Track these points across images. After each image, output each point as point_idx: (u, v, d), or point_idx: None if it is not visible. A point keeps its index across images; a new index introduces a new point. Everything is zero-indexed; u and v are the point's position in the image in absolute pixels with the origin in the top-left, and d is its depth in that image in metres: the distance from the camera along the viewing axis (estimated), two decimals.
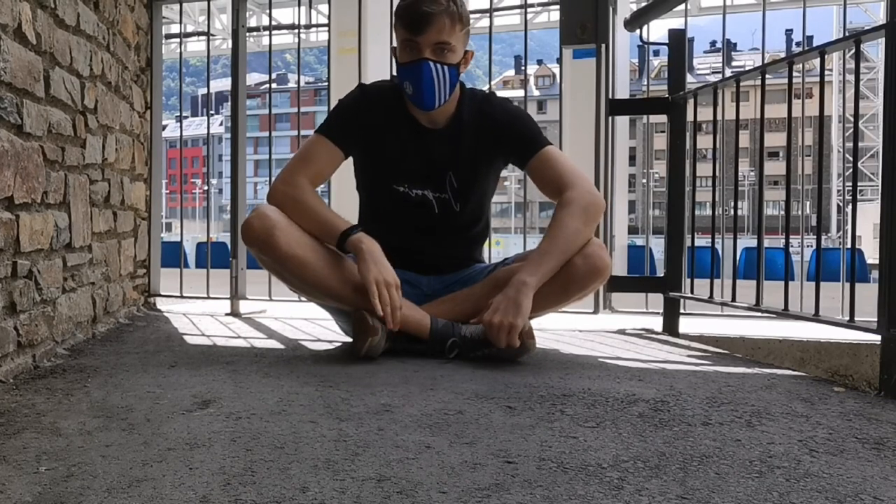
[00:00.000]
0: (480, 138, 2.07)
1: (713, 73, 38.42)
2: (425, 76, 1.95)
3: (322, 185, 2.19)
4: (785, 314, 2.01)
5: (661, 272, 2.65)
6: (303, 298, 2.83)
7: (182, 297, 3.14)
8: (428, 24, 1.93)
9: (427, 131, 2.08)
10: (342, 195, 2.59)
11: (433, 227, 2.10)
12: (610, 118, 2.80)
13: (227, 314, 2.94)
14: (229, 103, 3.06)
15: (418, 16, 1.93)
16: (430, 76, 1.96)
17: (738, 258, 2.71)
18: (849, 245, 2.12)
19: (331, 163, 2.05)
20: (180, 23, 3.81)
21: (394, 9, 2.04)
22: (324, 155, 2.04)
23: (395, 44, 2.06)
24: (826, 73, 1.86)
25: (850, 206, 2.00)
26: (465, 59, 2.04)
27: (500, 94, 2.29)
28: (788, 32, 35.65)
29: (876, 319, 1.62)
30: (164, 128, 3.27)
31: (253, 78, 42.03)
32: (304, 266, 1.90)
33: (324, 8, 8.15)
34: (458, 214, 2.10)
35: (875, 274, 2.02)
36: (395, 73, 2.14)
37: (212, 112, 3.69)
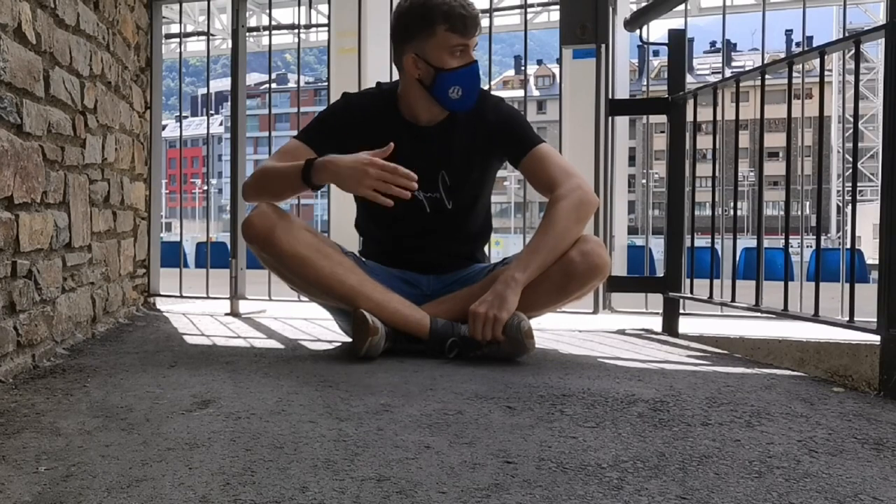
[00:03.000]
0: (473, 137, 2.08)
1: (713, 73, 38.43)
2: (476, 77, 2.02)
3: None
4: (784, 314, 2.01)
5: (660, 272, 2.65)
6: (303, 298, 2.84)
7: (182, 297, 3.14)
8: (476, 26, 1.99)
9: (420, 130, 2.08)
10: (342, 196, 2.59)
11: (426, 226, 2.10)
12: (610, 118, 2.80)
13: (226, 314, 2.94)
14: (229, 103, 3.06)
15: (471, 19, 1.97)
16: (479, 77, 2.02)
17: (737, 258, 2.72)
18: (848, 245, 2.12)
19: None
20: (180, 23, 3.81)
21: (421, 14, 1.95)
22: (299, 153, 2.02)
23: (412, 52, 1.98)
24: (826, 73, 1.86)
25: (849, 207, 2.00)
26: None
27: (500, 94, 2.30)
28: (788, 33, 35.66)
29: (875, 320, 1.62)
30: (163, 127, 3.27)
31: (253, 78, 42.05)
32: (303, 264, 1.90)
33: (324, 8, 8.14)
34: (451, 212, 2.10)
35: (874, 274, 2.02)
36: (396, 75, 2.13)
37: (211, 112, 3.70)
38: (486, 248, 2.33)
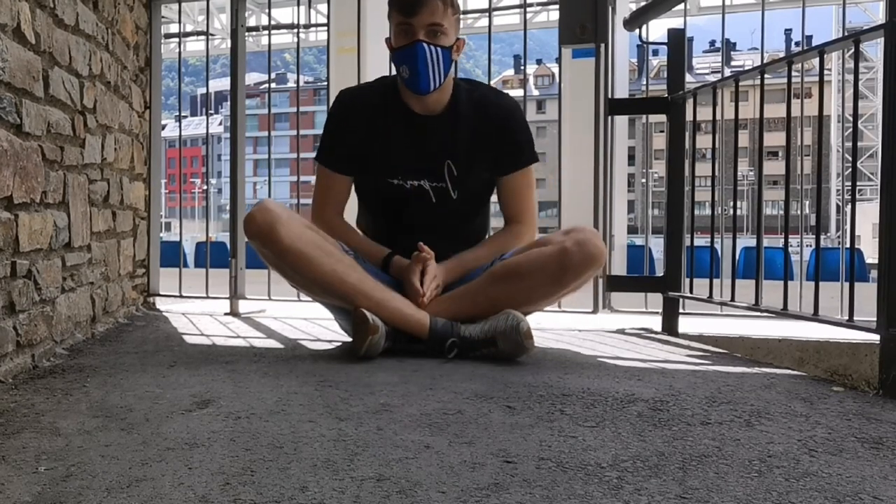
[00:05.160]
0: (478, 130, 2.09)
1: (712, 72, 38.40)
2: (420, 57, 1.99)
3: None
4: (784, 314, 2.01)
5: (660, 272, 2.65)
6: (302, 298, 2.84)
7: (181, 296, 3.13)
8: (422, 5, 1.98)
9: (422, 120, 2.09)
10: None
11: (431, 217, 2.11)
12: (609, 118, 2.80)
13: (226, 314, 2.94)
14: (228, 103, 3.06)
15: None
16: (426, 57, 1.99)
17: (737, 258, 2.72)
18: (848, 245, 2.12)
19: (345, 187, 2.18)
20: (179, 22, 3.80)
21: None
22: (336, 184, 2.17)
23: (387, 35, 2.09)
24: (825, 72, 1.86)
25: (849, 206, 2.00)
26: (457, 46, 2.07)
27: None
28: (788, 32, 35.62)
29: (875, 319, 1.62)
30: (163, 127, 3.27)
31: (252, 77, 41.98)
32: (304, 260, 1.90)
33: (323, 7, 8.14)
34: (456, 203, 2.11)
35: (874, 273, 2.02)
36: (393, 70, 2.15)
37: (211, 112, 3.70)
38: None
